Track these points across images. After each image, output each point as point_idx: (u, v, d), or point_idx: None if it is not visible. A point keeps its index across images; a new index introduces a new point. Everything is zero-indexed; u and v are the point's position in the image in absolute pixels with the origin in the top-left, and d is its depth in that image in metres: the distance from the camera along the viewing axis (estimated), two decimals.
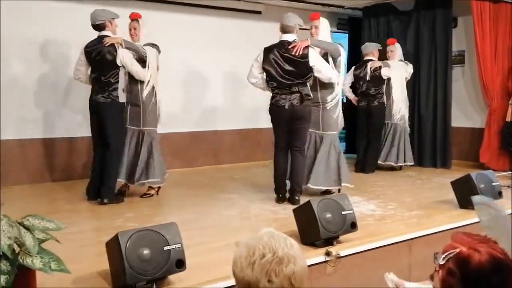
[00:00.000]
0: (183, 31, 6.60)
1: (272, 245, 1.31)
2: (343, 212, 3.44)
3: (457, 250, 1.40)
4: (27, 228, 2.24)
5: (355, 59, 7.30)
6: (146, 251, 2.59)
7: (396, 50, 6.65)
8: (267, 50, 4.69)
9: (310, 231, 3.37)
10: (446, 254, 1.41)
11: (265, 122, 6.87)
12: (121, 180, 4.90)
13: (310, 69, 4.60)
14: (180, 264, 2.68)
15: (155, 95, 4.93)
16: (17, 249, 2.20)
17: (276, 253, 1.30)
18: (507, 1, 6.54)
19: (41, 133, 5.80)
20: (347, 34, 8.40)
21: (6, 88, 5.47)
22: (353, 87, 6.78)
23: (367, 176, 6.39)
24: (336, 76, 4.81)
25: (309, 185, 4.89)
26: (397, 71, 6.49)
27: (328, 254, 3.21)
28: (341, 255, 3.23)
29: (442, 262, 1.42)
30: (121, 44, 4.61)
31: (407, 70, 6.61)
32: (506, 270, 1.36)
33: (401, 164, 6.72)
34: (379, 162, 6.65)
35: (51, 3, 5.73)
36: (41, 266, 2.20)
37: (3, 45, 5.37)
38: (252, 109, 7.32)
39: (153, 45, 4.91)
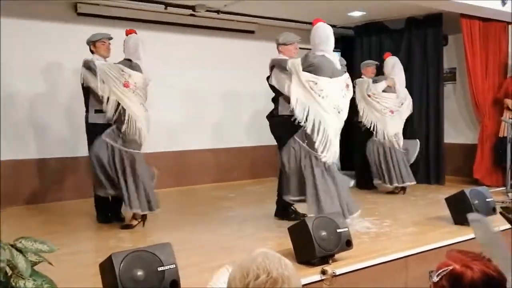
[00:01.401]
0: (177, 50, 6.65)
1: (266, 265, 1.30)
2: (338, 230, 3.43)
3: (450, 268, 1.40)
4: (19, 250, 2.22)
5: None
6: (140, 272, 2.57)
7: (385, 65, 6.55)
8: None
9: (306, 250, 3.36)
10: (439, 271, 1.42)
11: (260, 140, 6.92)
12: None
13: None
14: (174, 285, 2.66)
15: (123, 112, 4.53)
16: (9, 271, 2.18)
17: (270, 273, 1.29)
18: (496, 20, 6.66)
19: (34, 153, 5.79)
20: (339, 53, 8.49)
21: None
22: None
23: (361, 193, 6.39)
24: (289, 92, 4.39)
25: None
26: (357, 88, 6.36)
27: (323, 272, 3.19)
28: (337, 273, 3.22)
29: (436, 280, 1.42)
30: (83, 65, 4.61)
31: (368, 86, 6.40)
32: None
33: (396, 185, 6.36)
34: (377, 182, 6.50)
35: (46, 24, 5.78)
36: None
37: None
38: (247, 127, 7.36)
39: (126, 61, 4.63)
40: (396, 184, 6.33)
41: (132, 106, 4.51)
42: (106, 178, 4.56)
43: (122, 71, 4.49)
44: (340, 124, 4.41)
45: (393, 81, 6.42)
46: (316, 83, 4.27)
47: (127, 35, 4.68)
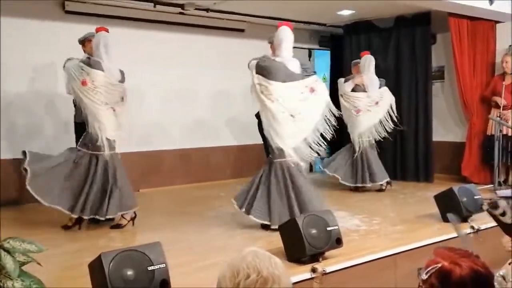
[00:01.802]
0: (165, 49, 6.62)
1: (256, 264, 1.30)
2: (328, 228, 3.45)
3: (439, 265, 1.41)
4: (7, 250, 2.20)
5: (337, 75, 7.38)
6: (130, 272, 2.56)
7: (360, 63, 6.45)
8: None
9: (296, 248, 3.37)
10: (428, 269, 1.43)
11: (250, 139, 6.91)
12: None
13: None
14: (164, 285, 2.65)
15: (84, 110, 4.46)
16: None
17: (260, 273, 1.29)
18: (484, 18, 6.71)
19: (16, 153, 5.70)
20: (329, 51, 8.51)
21: None
22: None
23: (350, 191, 6.39)
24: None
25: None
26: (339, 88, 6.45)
27: (314, 270, 3.20)
28: (327, 271, 3.23)
29: (425, 277, 1.43)
30: None
31: (340, 86, 6.44)
32: (487, 284, 1.37)
33: (363, 184, 6.32)
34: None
35: (34, 22, 5.72)
36: None
37: None
38: (237, 126, 7.34)
39: (86, 58, 4.55)
40: (356, 184, 6.31)
41: (90, 105, 4.39)
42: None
43: (82, 69, 4.41)
44: (297, 128, 4.29)
45: (360, 79, 6.33)
46: (266, 87, 4.24)
47: (96, 32, 4.57)
